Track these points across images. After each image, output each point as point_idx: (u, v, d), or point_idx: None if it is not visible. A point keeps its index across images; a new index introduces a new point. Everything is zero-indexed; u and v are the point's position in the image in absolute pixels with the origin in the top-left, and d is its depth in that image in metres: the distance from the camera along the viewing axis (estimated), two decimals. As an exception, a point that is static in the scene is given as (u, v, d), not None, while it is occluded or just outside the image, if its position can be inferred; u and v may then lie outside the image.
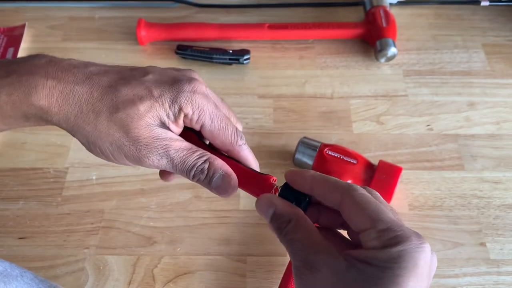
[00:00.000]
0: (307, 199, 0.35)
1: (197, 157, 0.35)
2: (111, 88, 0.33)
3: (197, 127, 0.36)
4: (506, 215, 0.55)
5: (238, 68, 0.69)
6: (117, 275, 0.51)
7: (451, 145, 0.61)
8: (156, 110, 0.33)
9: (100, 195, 0.57)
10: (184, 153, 0.35)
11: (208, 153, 0.36)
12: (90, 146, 0.35)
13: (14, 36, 0.73)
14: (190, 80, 0.35)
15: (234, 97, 0.66)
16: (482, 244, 0.52)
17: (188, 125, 0.36)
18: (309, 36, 0.72)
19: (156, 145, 0.34)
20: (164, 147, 0.34)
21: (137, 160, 0.35)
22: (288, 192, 0.35)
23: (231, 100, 0.65)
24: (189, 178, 0.36)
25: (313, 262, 0.30)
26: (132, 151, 0.34)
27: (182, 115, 0.34)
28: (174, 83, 0.35)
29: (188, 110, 0.34)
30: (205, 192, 0.56)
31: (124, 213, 0.55)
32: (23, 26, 0.74)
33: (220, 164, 0.36)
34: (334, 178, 0.34)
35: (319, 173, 0.34)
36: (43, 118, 0.34)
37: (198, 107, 0.34)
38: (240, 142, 0.37)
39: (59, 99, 0.33)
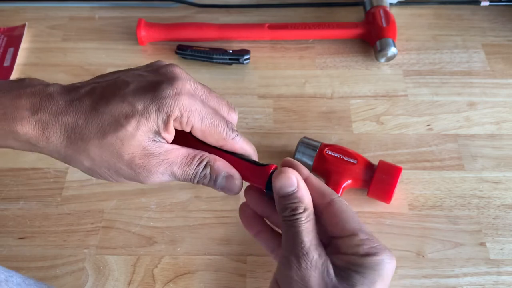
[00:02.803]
0: None
1: (197, 164, 0.35)
2: (94, 111, 0.32)
3: (187, 128, 0.34)
4: (506, 215, 0.55)
5: (238, 68, 0.69)
6: (117, 275, 0.51)
7: (451, 145, 0.61)
8: (145, 125, 0.32)
9: (100, 195, 0.57)
10: (184, 162, 0.34)
11: (207, 154, 0.35)
12: (88, 172, 0.34)
13: (14, 36, 0.73)
14: (172, 80, 0.33)
15: (234, 97, 0.66)
16: (482, 244, 0.52)
17: (179, 128, 0.34)
18: (309, 36, 0.72)
19: (154, 163, 0.33)
20: (162, 163, 0.33)
21: (138, 181, 0.34)
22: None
23: (231, 100, 0.65)
24: (193, 183, 0.36)
25: (307, 258, 0.31)
26: (131, 174, 0.33)
27: (171, 121, 0.33)
28: (156, 89, 0.33)
29: (176, 114, 0.32)
30: (205, 192, 0.56)
31: (124, 213, 0.55)
32: (23, 26, 0.74)
33: (221, 166, 0.35)
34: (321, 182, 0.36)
35: (312, 174, 0.36)
36: (33, 149, 0.33)
37: (186, 109, 0.33)
38: (232, 135, 0.35)
39: (46, 131, 0.32)
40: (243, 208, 0.39)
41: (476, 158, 0.59)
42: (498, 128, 0.62)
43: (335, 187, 0.53)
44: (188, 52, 0.69)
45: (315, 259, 0.31)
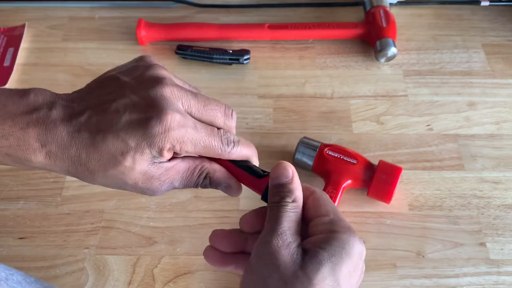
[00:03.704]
0: None
1: (197, 176, 0.37)
2: (93, 147, 0.34)
3: (182, 154, 0.35)
4: (506, 215, 0.55)
5: (238, 68, 0.69)
6: (117, 275, 0.51)
7: (451, 145, 0.61)
8: (140, 158, 0.34)
9: (100, 195, 0.57)
10: (184, 176, 0.36)
11: (207, 165, 0.37)
12: (101, 186, 0.36)
13: (14, 36, 0.73)
14: (161, 114, 0.33)
15: (234, 97, 0.66)
16: (482, 244, 0.53)
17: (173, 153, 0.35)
18: (309, 36, 0.72)
19: (157, 184, 0.35)
20: (163, 183, 0.35)
21: (145, 195, 0.37)
22: None
23: (231, 100, 0.65)
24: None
25: (281, 237, 0.32)
26: (138, 192, 0.36)
27: (165, 152, 0.34)
28: (146, 126, 0.33)
29: (168, 147, 0.34)
30: (205, 192, 0.56)
31: (124, 213, 0.55)
32: (23, 26, 0.74)
33: (220, 177, 0.37)
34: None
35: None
36: (49, 171, 0.36)
37: (177, 142, 0.34)
38: (228, 149, 0.36)
39: (56, 161, 0.34)
40: (207, 252, 0.38)
41: (476, 158, 0.59)
42: (498, 128, 0.62)
43: (335, 187, 0.53)
44: (188, 52, 0.69)
45: (288, 241, 0.32)
